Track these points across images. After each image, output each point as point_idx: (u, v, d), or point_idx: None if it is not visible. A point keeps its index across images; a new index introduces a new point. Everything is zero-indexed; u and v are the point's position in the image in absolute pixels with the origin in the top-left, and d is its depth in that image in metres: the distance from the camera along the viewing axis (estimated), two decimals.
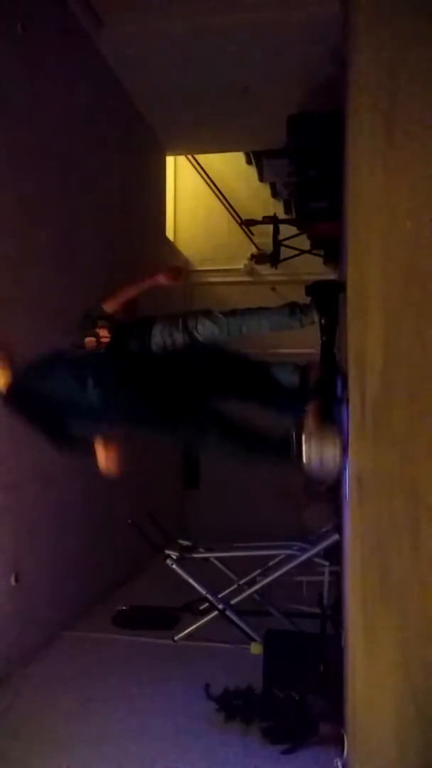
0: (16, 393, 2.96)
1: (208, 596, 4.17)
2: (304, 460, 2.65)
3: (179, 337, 3.57)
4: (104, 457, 2.94)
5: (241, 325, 3.63)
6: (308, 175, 6.02)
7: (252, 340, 3.89)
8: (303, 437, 2.66)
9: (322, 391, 3.17)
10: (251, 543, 4.75)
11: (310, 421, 2.71)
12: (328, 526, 4.52)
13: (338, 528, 3.96)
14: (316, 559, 4.43)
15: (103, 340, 3.56)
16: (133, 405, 2.96)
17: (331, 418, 2.79)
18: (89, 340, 3.57)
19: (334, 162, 4.84)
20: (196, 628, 4.23)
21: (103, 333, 3.57)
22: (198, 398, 2.95)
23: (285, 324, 3.63)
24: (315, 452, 2.62)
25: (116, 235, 6.17)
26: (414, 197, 0.85)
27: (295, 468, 2.78)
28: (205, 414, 2.93)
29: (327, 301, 3.43)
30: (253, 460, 3.17)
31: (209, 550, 4.54)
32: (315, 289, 3.50)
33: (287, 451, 2.77)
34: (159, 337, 3.57)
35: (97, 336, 3.56)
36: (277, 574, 4.24)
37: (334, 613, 3.85)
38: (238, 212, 8.85)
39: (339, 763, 2.78)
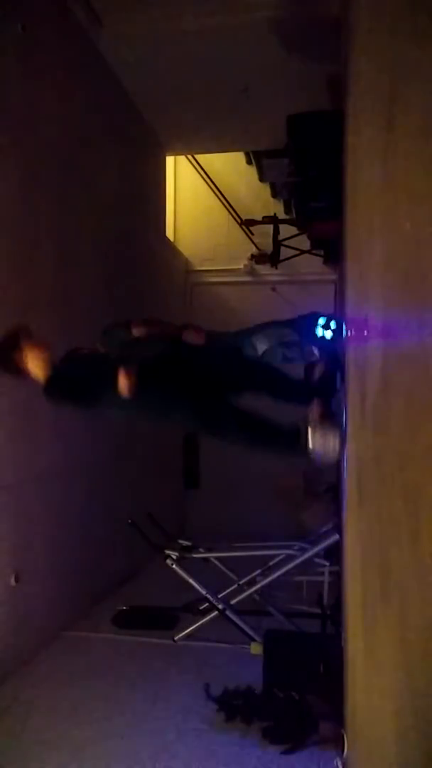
0: (54, 382, 3.24)
1: (208, 596, 4.17)
2: (309, 447, 3.04)
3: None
4: (123, 383, 3.09)
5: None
6: (308, 175, 6.02)
7: None
8: (308, 428, 3.06)
9: (325, 386, 3.39)
10: (251, 543, 4.75)
11: (314, 413, 3.12)
12: (328, 526, 4.52)
13: (338, 528, 3.96)
14: (316, 559, 4.43)
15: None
16: (163, 394, 3.28)
17: (332, 411, 3.18)
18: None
19: (334, 162, 4.84)
20: (196, 628, 4.23)
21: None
22: (217, 391, 3.32)
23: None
24: (318, 442, 3.02)
25: (116, 235, 6.18)
26: (414, 198, 0.85)
27: (301, 458, 3.15)
28: (224, 405, 3.31)
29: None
30: (262, 449, 3.51)
31: (209, 550, 4.54)
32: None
33: (295, 441, 3.10)
34: None
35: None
36: (277, 574, 4.24)
37: (334, 613, 3.85)
38: (238, 212, 8.85)
39: (339, 763, 2.78)
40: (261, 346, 3.81)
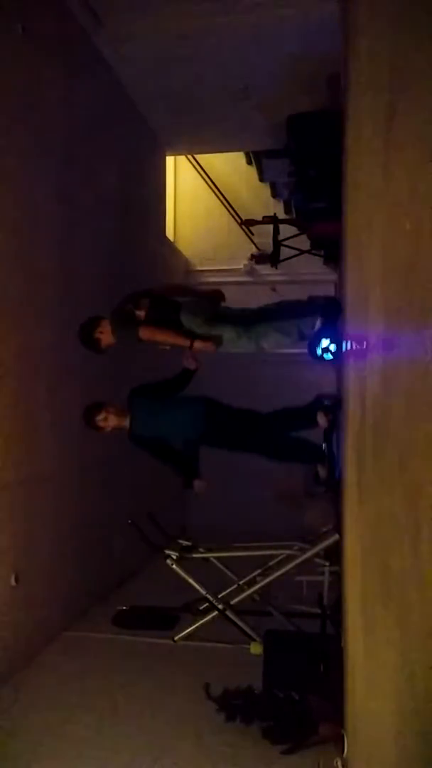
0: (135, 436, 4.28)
1: (208, 596, 4.16)
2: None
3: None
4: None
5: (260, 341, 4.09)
6: (308, 175, 6.02)
7: None
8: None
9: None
10: (251, 543, 4.75)
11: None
12: (328, 526, 4.51)
13: (338, 528, 3.96)
14: (316, 559, 4.43)
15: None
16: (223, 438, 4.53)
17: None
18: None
19: (334, 162, 4.84)
20: (196, 628, 4.23)
21: (141, 313, 4.06)
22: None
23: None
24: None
25: (116, 235, 6.18)
26: (414, 197, 0.85)
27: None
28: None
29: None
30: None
31: (209, 550, 4.53)
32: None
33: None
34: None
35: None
36: (277, 574, 4.23)
37: (334, 613, 3.85)
38: (238, 212, 8.85)
39: (339, 763, 2.78)
40: (268, 344, 3.91)
